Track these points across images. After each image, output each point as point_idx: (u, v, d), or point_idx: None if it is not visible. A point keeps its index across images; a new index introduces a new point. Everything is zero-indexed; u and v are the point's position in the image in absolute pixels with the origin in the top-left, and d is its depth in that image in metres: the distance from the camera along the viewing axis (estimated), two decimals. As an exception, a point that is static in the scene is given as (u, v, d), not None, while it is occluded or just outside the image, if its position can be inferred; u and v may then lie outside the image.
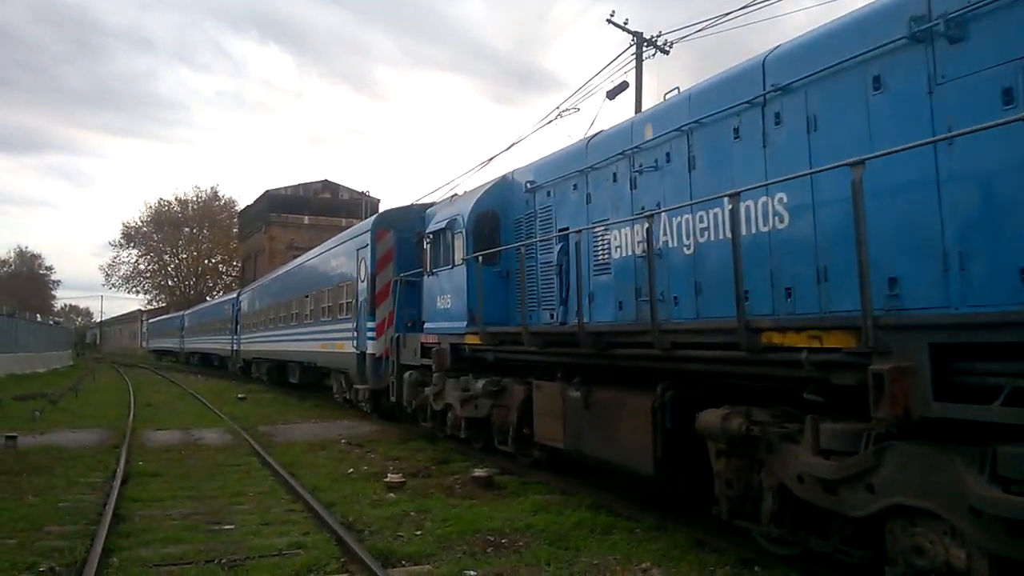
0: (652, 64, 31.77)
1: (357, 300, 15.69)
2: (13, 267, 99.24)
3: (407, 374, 12.68)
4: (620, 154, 7.90)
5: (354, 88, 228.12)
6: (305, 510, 8.07)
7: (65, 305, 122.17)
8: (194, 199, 74.99)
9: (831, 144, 5.41)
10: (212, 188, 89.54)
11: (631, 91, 21.10)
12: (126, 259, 75.65)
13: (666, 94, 7.60)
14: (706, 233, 6.59)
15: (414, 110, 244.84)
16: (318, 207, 56.32)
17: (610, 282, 8.01)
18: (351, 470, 10.37)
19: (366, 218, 19.28)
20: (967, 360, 4.04)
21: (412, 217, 14.44)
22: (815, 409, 5.09)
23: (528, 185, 9.87)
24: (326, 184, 58.61)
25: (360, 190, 55.32)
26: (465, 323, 10.30)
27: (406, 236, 14.24)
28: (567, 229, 8.65)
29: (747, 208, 5.98)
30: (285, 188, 57.29)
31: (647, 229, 6.48)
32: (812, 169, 5.28)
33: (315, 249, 21.78)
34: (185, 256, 75.11)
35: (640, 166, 7.59)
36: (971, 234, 4.40)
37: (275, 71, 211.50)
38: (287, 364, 23.87)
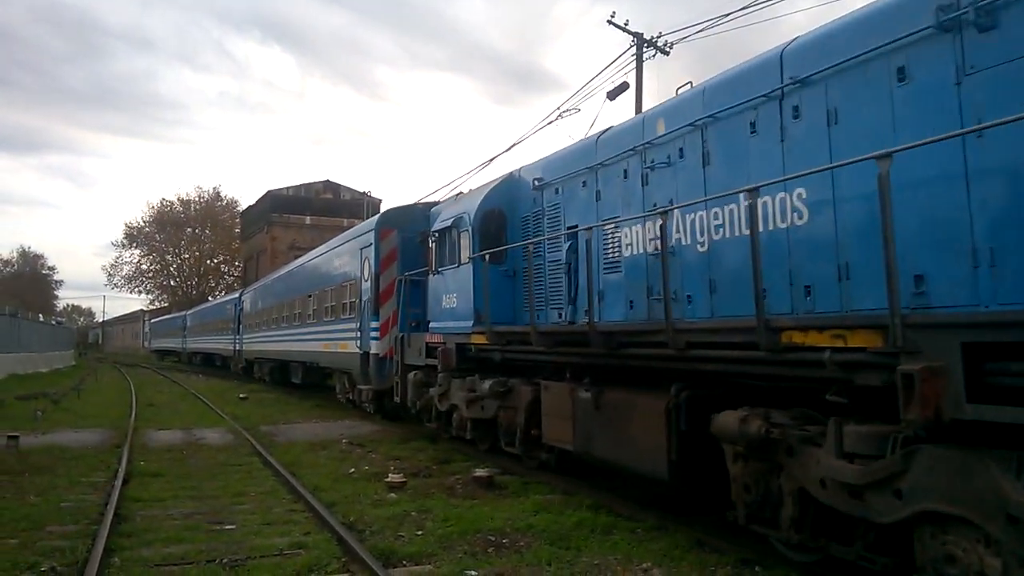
0: (652, 64, 31.61)
1: (360, 300, 15.55)
2: (16, 267, 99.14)
3: (412, 374, 12.54)
4: (631, 150, 7.75)
5: (355, 88, 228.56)
6: (306, 510, 8.05)
7: (67, 305, 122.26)
8: (196, 199, 75.11)
9: (852, 138, 5.24)
10: (214, 188, 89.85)
11: (632, 92, 21.10)
12: (128, 259, 75.81)
13: (678, 88, 7.44)
14: (721, 230, 6.43)
15: (415, 110, 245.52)
16: (320, 207, 56.23)
17: (620, 280, 7.85)
18: (352, 470, 10.34)
19: (367, 219, 19.14)
20: (1000, 360, 3.88)
21: (416, 216, 14.33)
22: (835, 411, 4.94)
23: (536, 182, 9.71)
24: (328, 184, 58.52)
25: (362, 190, 55.27)
26: (471, 322, 10.15)
27: (410, 235, 14.12)
28: (576, 227, 8.49)
29: (764, 204, 5.81)
30: (287, 188, 57.21)
31: (661, 226, 6.32)
32: (835, 163, 5.11)
33: (318, 248, 21.63)
34: (187, 256, 75.11)
35: (652, 162, 7.43)
36: (1003, 229, 4.23)
37: (277, 71, 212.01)
38: (289, 364, 23.75)
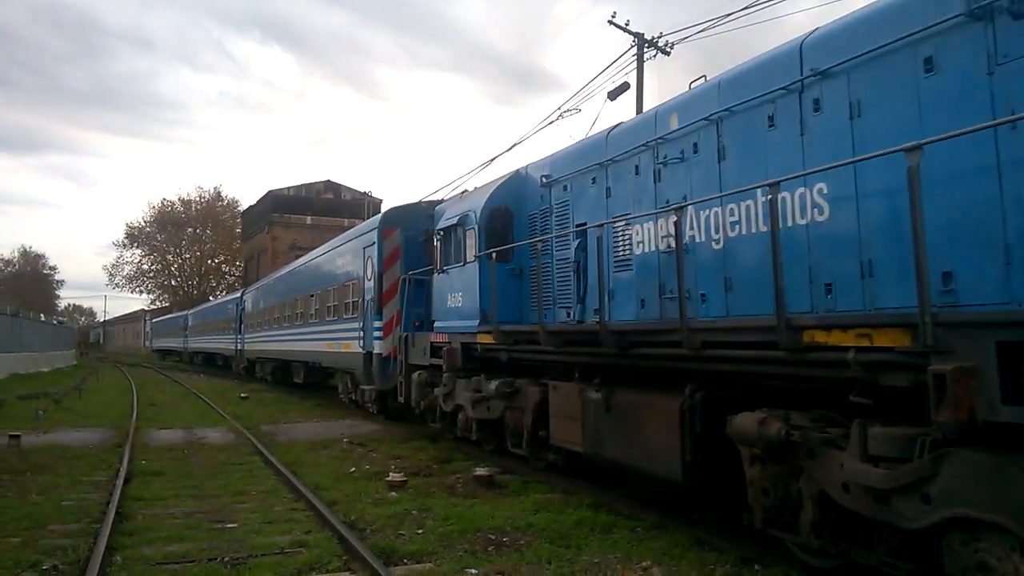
0: (653, 64, 31.41)
1: (363, 299, 15.40)
2: (17, 267, 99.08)
3: (416, 374, 12.39)
4: (643, 145, 7.59)
5: (355, 88, 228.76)
6: (307, 509, 8.04)
7: (69, 305, 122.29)
8: (197, 199, 74.98)
9: (876, 131, 5.08)
10: (215, 188, 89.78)
11: (632, 92, 20.98)
12: (130, 259, 75.73)
13: (691, 83, 7.29)
14: (737, 227, 6.26)
15: (415, 110, 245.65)
16: (321, 207, 56.10)
17: (631, 279, 7.69)
18: (353, 469, 10.31)
19: (368, 219, 18.98)
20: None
21: (419, 215, 14.20)
22: (858, 413, 4.78)
23: (543, 179, 9.55)
24: (328, 184, 58.38)
25: (362, 190, 55.10)
26: (477, 322, 9.99)
27: (413, 234, 14.00)
28: (585, 224, 8.34)
29: (782, 200, 5.64)
30: (288, 188, 57.08)
31: (675, 223, 6.17)
32: (859, 156, 4.95)
33: (320, 248, 21.47)
34: (188, 256, 75.03)
35: (665, 157, 7.27)
36: (1038, 225, 4.08)
37: (277, 71, 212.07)
38: (291, 364, 23.61)
